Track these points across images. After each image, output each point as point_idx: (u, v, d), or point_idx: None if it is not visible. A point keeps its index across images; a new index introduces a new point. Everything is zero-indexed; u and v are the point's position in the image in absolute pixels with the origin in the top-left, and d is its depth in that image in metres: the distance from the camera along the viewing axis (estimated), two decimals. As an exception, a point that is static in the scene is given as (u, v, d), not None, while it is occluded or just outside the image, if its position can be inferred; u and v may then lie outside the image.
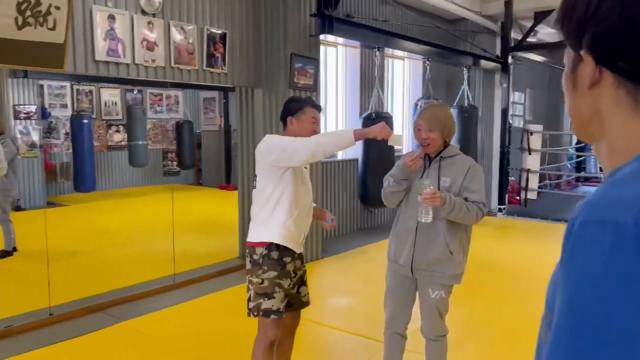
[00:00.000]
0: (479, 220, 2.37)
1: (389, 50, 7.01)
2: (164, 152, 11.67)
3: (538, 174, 8.37)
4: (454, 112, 7.16)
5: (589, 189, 10.92)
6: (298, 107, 2.54)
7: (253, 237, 2.47)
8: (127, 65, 4.10)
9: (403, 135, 2.60)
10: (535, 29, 8.22)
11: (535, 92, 11.18)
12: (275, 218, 2.41)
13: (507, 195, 8.32)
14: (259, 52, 5.12)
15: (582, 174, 11.14)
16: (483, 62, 7.77)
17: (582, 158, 11.59)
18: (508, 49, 7.87)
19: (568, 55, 0.62)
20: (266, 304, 2.39)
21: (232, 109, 11.94)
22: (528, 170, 8.04)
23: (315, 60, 5.22)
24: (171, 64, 4.40)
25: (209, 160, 12.22)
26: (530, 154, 8.03)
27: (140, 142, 9.82)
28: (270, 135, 2.58)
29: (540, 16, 7.92)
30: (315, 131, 2.53)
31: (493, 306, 4.17)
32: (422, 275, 2.44)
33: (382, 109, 6.03)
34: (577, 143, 12.07)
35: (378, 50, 5.72)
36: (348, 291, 4.59)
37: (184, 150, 10.89)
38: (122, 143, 10.55)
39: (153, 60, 4.28)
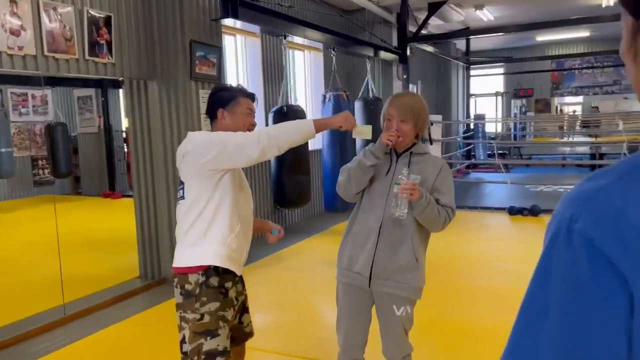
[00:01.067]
0: (445, 227, 2.04)
1: (289, 40, 6.60)
2: (34, 159, 10.29)
3: (440, 164, 8.48)
4: (358, 104, 6.95)
5: (480, 175, 11.44)
6: (230, 97, 2.09)
7: (184, 261, 1.98)
8: (-15, 52, 3.26)
9: (371, 126, 2.18)
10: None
11: (426, 83, 11.46)
12: (213, 235, 1.95)
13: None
14: (152, 38, 4.44)
15: (473, 161, 11.64)
16: (382, 53, 7.66)
17: (472, 146, 12.12)
18: (406, 39, 7.83)
19: (626, 25, 0.57)
20: (209, 344, 1.90)
21: (112, 108, 10.80)
22: (430, 160, 8.09)
23: (218, 48, 4.66)
24: (43, 52, 3.61)
25: (89, 166, 10.97)
26: (431, 144, 8.06)
27: (4, 150, 8.57)
28: (198, 132, 2.13)
29: (434, 7, 7.99)
30: (253, 125, 2.11)
31: (437, 306, 3.95)
32: (382, 286, 2.05)
33: (291, 101, 5.60)
34: (465, 132, 12.63)
35: (285, 38, 5.27)
36: (274, 305, 4.12)
37: (58, 157, 9.64)
38: (-20, 151, 9.04)
39: (20, 48, 3.46)
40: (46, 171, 10.26)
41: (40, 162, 10.35)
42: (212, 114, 2.10)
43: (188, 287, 1.93)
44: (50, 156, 9.77)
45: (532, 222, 6.80)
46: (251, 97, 2.15)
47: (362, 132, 2.05)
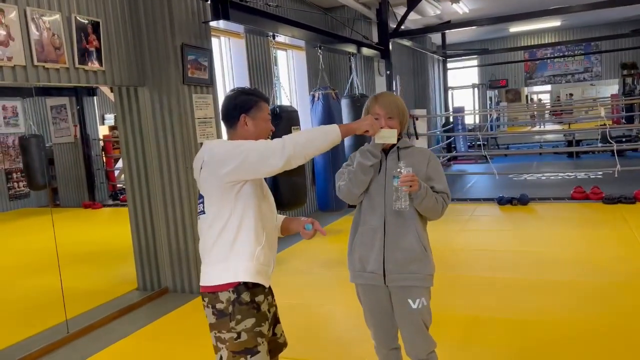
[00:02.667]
0: (443, 214, 2.11)
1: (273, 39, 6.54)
2: (7, 172, 9.98)
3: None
4: (345, 102, 6.92)
5: (462, 167, 11.56)
6: (252, 102, 1.96)
7: (212, 279, 1.88)
8: (-25, 64, 3.11)
9: (395, 131, 2.18)
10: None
11: (404, 78, 11.51)
12: (240, 250, 1.86)
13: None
14: (142, 44, 4.32)
15: (454, 153, 11.75)
16: (364, 50, 7.65)
17: (452, 139, 12.23)
18: (387, 35, 7.84)
19: None
20: None
21: (89, 116, 10.53)
22: (417, 155, 8.14)
23: (208, 51, 4.56)
24: (33, 62, 3.47)
25: (67, 177, 10.67)
26: (417, 138, 8.13)
27: (-24, 164, 8.28)
28: (216, 141, 1.99)
29: (413, 2, 8.02)
30: (272, 130, 2.03)
31: (439, 298, 3.95)
32: (397, 280, 2.09)
33: (279, 102, 5.53)
34: (444, 125, 12.74)
35: (274, 38, 5.20)
36: (288, 310, 4.05)
37: (33, 168, 9.41)
38: (-47, 167, 8.73)
39: (9, 59, 3.32)
40: (21, 184, 9.97)
41: (15, 175, 10.05)
42: (232, 120, 1.97)
43: (220, 306, 1.84)
44: (25, 168, 9.50)
45: (522, 211, 6.90)
46: (269, 101, 2.07)
47: (385, 136, 2.03)
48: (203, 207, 1.90)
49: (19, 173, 9.93)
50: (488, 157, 8.05)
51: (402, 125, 2.16)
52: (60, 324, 3.74)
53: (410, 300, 2.09)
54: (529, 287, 4.02)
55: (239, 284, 1.84)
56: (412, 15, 9.42)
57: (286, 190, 5.29)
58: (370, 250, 2.12)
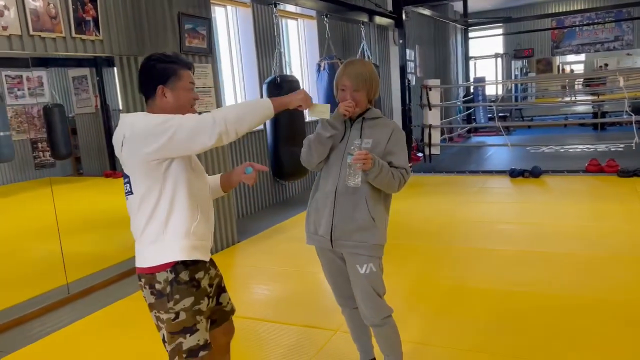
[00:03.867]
0: (401, 188, 2.13)
1: (281, 8, 6.48)
2: (33, 142, 10.25)
3: (439, 129, 8.43)
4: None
5: (481, 139, 11.37)
6: (170, 71, 1.80)
7: (147, 261, 1.80)
8: (-32, 34, 3.21)
9: (329, 105, 2.16)
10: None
11: (424, 48, 11.28)
12: (174, 228, 1.78)
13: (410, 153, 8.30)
14: (140, 13, 4.36)
15: (473, 125, 11.54)
16: (377, 19, 7.52)
17: (472, 110, 12.00)
18: (401, 3, 7.67)
19: None
20: (189, 341, 1.79)
21: (109, 87, 10.71)
22: (430, 126, 8.04)
23: (207, 20, 4.57)
24: (29, 32, 3.54)
25: (88, 147, 10.89)
26: (430, 109, 8.01)
27: (2, 134, 8.53)
28: (134, 115, 1.82)
29: (428, -32, 7.80)
30: (195, 99, 1.88)
31: (432, 268, 3.97)
32: (343, 247, 2.16)
33: (284, 72, 5.52)
34: (465, 96, 12.48)
35: (275, 6, 5.16)
36: (276, 276, 4.15)
37: (57, 138, 9.59)
38: (-21, 136, 9.03)
39: (4, 28, 3.40)
40: (47, 153, 10.24)
41: (40, 145, 10.31)
42: (149, 92, 1.82)
43: (158, 286, 1.78)
44: (49, 138, 9.76)
45: (534, 183, 6.78)
46: (190, 66, 1.88)
47: (319, 111, 1.99)
48: (130, 188, 1.79)
49: (43, 143, 10.21)
50: (502, 128, 7.88)
51: (371, 93, 2.15)
52: (61, 286, 3.91)
53: (358, 266, 2.15)
54: (522, 259, 3.99)
55: (176, 263, 1.78)
56: (431, -18, 9.17)
57: (288, 160, 5.32)
58: (321, 216, 2.18)
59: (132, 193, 1.80)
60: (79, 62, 10.17)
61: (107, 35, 4.11)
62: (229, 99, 6.21)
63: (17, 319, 3.51)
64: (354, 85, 2.09)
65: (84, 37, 3.92)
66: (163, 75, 1.80)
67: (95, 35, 4.01)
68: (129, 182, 1.80)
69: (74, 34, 3.84)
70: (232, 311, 2.11)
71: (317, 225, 2.21)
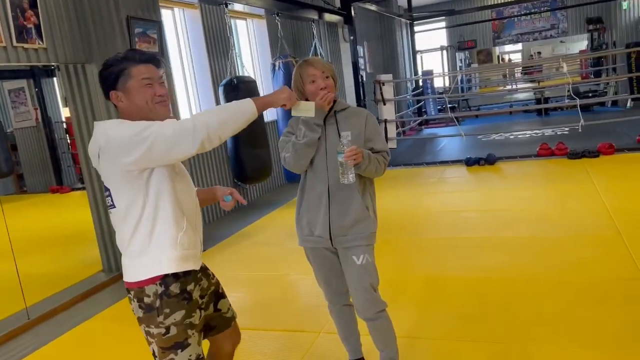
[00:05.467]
0: (384, 171, 2.17)
1: (230, 8, 6.36)
2: (-31, 161, 9.62)
3: (395, 123, 8.51)
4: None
5: (433, 131, 11.58)
6: (117, 73, 1.68)
7: (135, 275, 1.72)
8: None
9: (314, 103, 2.10)
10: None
11: (372, 44, 11.37)
12: (160, 239, 1.69)
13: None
14: (85, 17, 4.15)
15: (425, 117, 11.74)
16: (327, 16, 7.51)
17: (422, 102, 12.20)
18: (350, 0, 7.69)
19: None
20: (181, 357, 1.71)
21: (50, 98, 10.22)
22: (385, 121, 8.10)
23: (157, 23, 4.40)
24: (-34, 42, 3.30)
25: (31, 163, 10.40)
26: (384, 104, 8.08)
27: None
28: (110, 122, 1.70)
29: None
30: (159, 95, 1.71)
31: (405, 260, 3.98)
32: (342, 242, 2.15)
33: (239, 73, 5.41)
34: (414, 89, 12.69)
35: (227, 6, 5.04)
36: (249, 282, 4.05)
37: (-4, 155, 9.10)
38: None
39: (-63, 39, 3.15)
40: (-15, 172, 9.65)
41: (-23, 163, 9.70)
42: (108, 99, 1.73)
43: (147, 300, 1.69)
44: (-13, 156, 9.21)
45: (490, 170, 6.95)
46: (145, 59, 1.72)
47: (304, 109, 1.93)
48: (112, 201, 1.70)
49: (-19, 161, 9.57)
50: (455, 119, 8.04)
51: (336, 85, 2.16)
52: (20, 311, 3.67)
53: (354, 257, 2.15)
54: (489, 244, 4.06)
55: (165, 275, 1.69)
56: (375, -22, 9.25)
57: (250, 163, 5.22)
58: (316, 215, 2.16)
59: (114, 206, 1.70)
60: (15, 74, 9.66)
61: (50, 43, 3.89)
62: (182, 103, 6.03)
63: (-26, 352, 3.26)
64: (325, 72, 2.07)
65: (26, 45, 3.69)
66: (111, 79, 1.69)
67: (39, 43, 3.79)
68: (109, 195, 1.71)
69: (15, 43, 3.60)
70: (233, 317, 2.04)
71: (312, 226, 2.18)
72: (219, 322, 1.97)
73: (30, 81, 9.97)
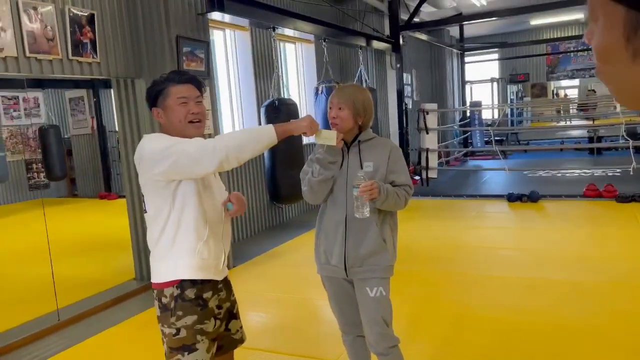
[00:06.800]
0: (406, 205, 2.14)
1: (279, 32, 6.51)
2: (28, 163, 10.21)
3: (437, 152, 8.42)
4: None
5: (478, 163, 11.36)
6: (157, 92, 1.86)
7: (157, 276, 1.87)
8: (-36, 55, 3.17)
9: (335, 132, 2.12)
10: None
11: (421, 72, 11.35)
12: (180, 247, 1.82)
13: (408, 176, 8.27)
14: (138, 35, 4.35)
15: (470, 148, 11.55)
16: (375, 43, 7.56)
17: (469, 133, 12.02)
18: (398, 28, 7.73)
19: (612, 17, 0.45)
20: (186, 359, 1.79)
21: (105, 109, 10.70)
22: (427, 150, 8.03)
23: (205, 43, 4.56)
24: (25, 54, 3.51)
25: (83, 168, 10.88)
26: (427, 133, 8.01)
27: (-4, 154, 8.48)
28: (149, 137, 1.87)
29: (425, -6, 7.89)
30: (193, 113, 1.84)
31: (431, 293, 3.89)
32: (357, 273, 2.14)
33: (282, 95, 5.51)
34: (461, 120, 12.53)
35: (274, 30, 5.18)
36: (272, 302, 4.06)
37: (52, 159, 9.58)
38: (-27, 157, 8.95)
39: (0, 50, 3.37)
40: (41, 174, 10.18)
41: (34, 166, 10.26)
42: (152, 114, 1.92)
43: (164, 300, 1.83)
44: (44, 159, 9.70)
45: (531, 208, 6.74)
46: (184, 80, 1.88)
47: (326, 137, 1.95)
48: (145, 206, 1.88)
49: (38, 164, 10.14)
50: (500, 152, 7.87)
51: (362, 118, 2.13)
52: (51, 312, 3.81)
53: (368, 289, 2.13)
54: (523, 285, 3.92)
55: (182, 280, 1.81)
56: (428, 8, 9.29)
57: (284, 184, 5.27)
58: (333, 245, 2.16)
59: (147, 211, 1.88)
60: (75, 84, 10.21)
61: (104, 58, 4.09)
62: (226, 121, 6.18)
63: (4, 348, 3.40)
64: (339, 103, 2.09)
65: (80, 59, 3.90)
66: (153, 97, 1.88)
67: (93, 57, 3.99)
68: (143, 201, 1.89)
69: (71, 56, 3.81)
70: (241, 340, 2.07)
71: (329, 255, 2.19)
72: (225, 343, 2.00)
73: (89, 91, 10.49)
